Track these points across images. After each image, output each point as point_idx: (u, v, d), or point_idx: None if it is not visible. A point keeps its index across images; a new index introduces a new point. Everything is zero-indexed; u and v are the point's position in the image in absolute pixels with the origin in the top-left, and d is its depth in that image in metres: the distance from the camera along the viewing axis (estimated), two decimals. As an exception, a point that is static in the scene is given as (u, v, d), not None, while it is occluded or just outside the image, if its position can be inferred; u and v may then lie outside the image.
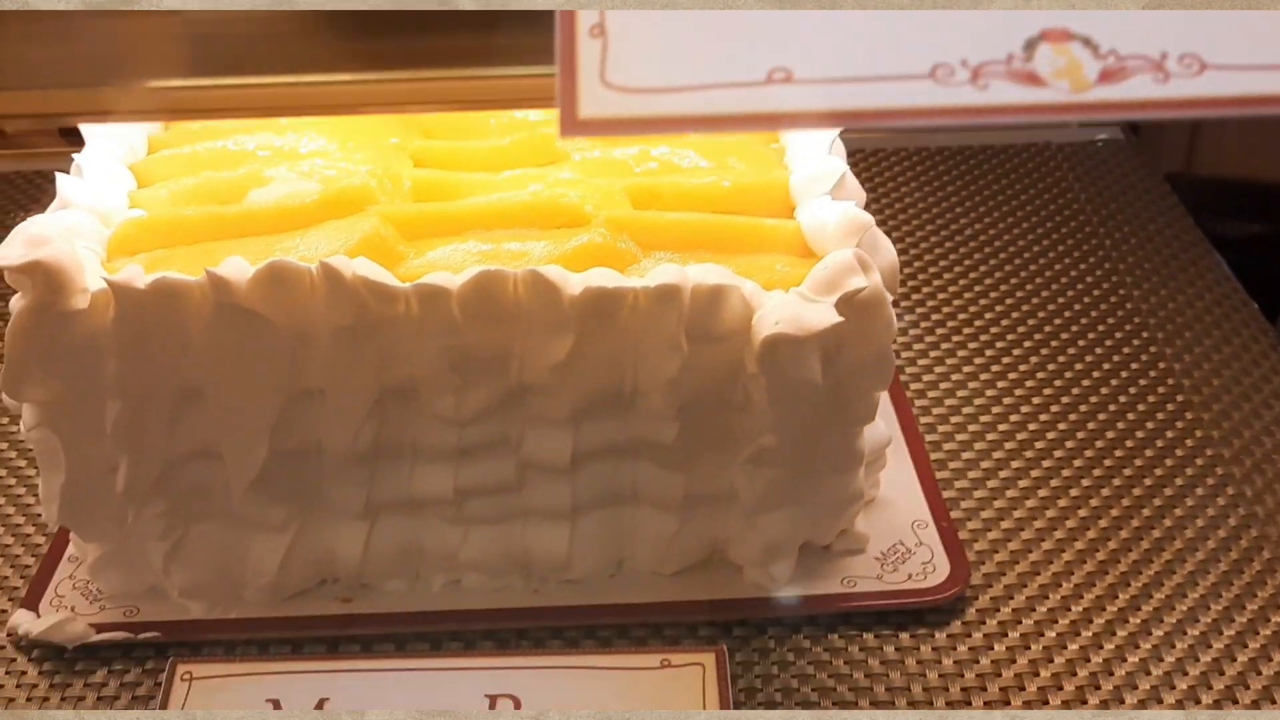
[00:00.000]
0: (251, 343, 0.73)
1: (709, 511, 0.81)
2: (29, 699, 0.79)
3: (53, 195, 0.81)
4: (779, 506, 0.79)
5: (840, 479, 0.81)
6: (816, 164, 0.81)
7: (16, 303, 0.76)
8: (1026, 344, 1.03)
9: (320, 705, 0.70)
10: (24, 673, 0.80)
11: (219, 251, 0.76)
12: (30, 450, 0.97)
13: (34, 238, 0.74)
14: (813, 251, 0.78)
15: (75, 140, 1.46)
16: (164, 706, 0.71)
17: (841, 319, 0.70)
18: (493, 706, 0.69)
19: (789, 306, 0.72)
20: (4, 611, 0.84)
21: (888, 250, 0.76)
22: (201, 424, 0.76)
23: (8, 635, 0.82)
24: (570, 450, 0.77)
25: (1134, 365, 1.00)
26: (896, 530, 0.85)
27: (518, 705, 0.70)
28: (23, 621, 0.82)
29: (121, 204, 0.83)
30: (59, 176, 0.82)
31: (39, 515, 0.92)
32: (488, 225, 0.78)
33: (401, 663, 0.72)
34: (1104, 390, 0.98)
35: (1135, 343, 1.02)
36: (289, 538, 0.80)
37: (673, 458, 0.78)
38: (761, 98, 0.36)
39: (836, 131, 0.83)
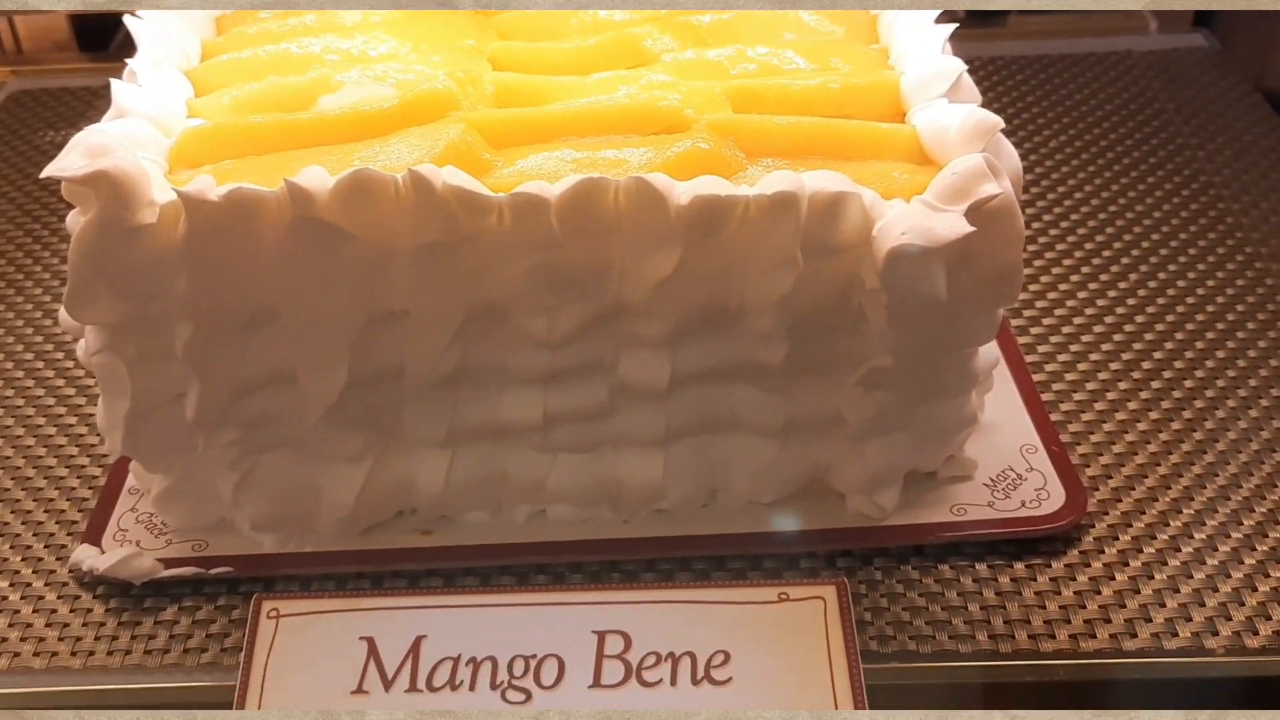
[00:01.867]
0: (331, 259, 0.68)
1: (811, 437, 0.77)
2: (97, 638, 0.75)
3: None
4: (888, 431, 0.75)
5: (953, 402, 0.76)
6: (931, 63, 0.75)
7: (75, 219, 0.71)
8: (1124, 260, 0.98)
9: (416, 643, 0.66)
10: (90, 610, 0.76)
11: (291, 162, 0.71)
12: (83, 381, 0.93)
13: (94, 147, 0.68)
14: (930, 158, 0.72)
15: (97, 55, 1.42)
16: (250, 645, 0.66)
17: (973, 229, 0.65)
18: (601, 643, 0.65)
19: (915, 216, 0.66)
20: (64, 547, 0.80)
21: (1012, 156, 0.71)
22: (276, 346, 0.72)
23: (70, 572, 0.78)
24: (667, 373, 0.73)
25: (1239, 282, 0.95)
26: (1005, 456, 0.81)
27: (628, 641, 0.65)
28: (87, 557, 0.78)
29: (180, 112, 0.77)
30: (114, 83, 0.76)
31: (94, 447, 0.87)
32: (580, 131, 0.73)
33: (500, 598, 0.68)
34: (1210, 308, 0.93)
35: (1239, 258, 0.97)
36: (366, 467, 0.76)
37: (775, 380, 0.74)
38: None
39: (950, 29, 0.77)
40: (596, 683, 0.64)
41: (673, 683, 0.64)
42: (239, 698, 0.65)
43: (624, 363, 0.73)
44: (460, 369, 0.73)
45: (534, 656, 0.65)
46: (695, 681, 0.64)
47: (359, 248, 0.68)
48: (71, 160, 0.68)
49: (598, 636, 0.65)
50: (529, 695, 0.64)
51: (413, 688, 0.64)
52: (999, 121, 0.69)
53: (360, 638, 0.66)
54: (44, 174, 0.68)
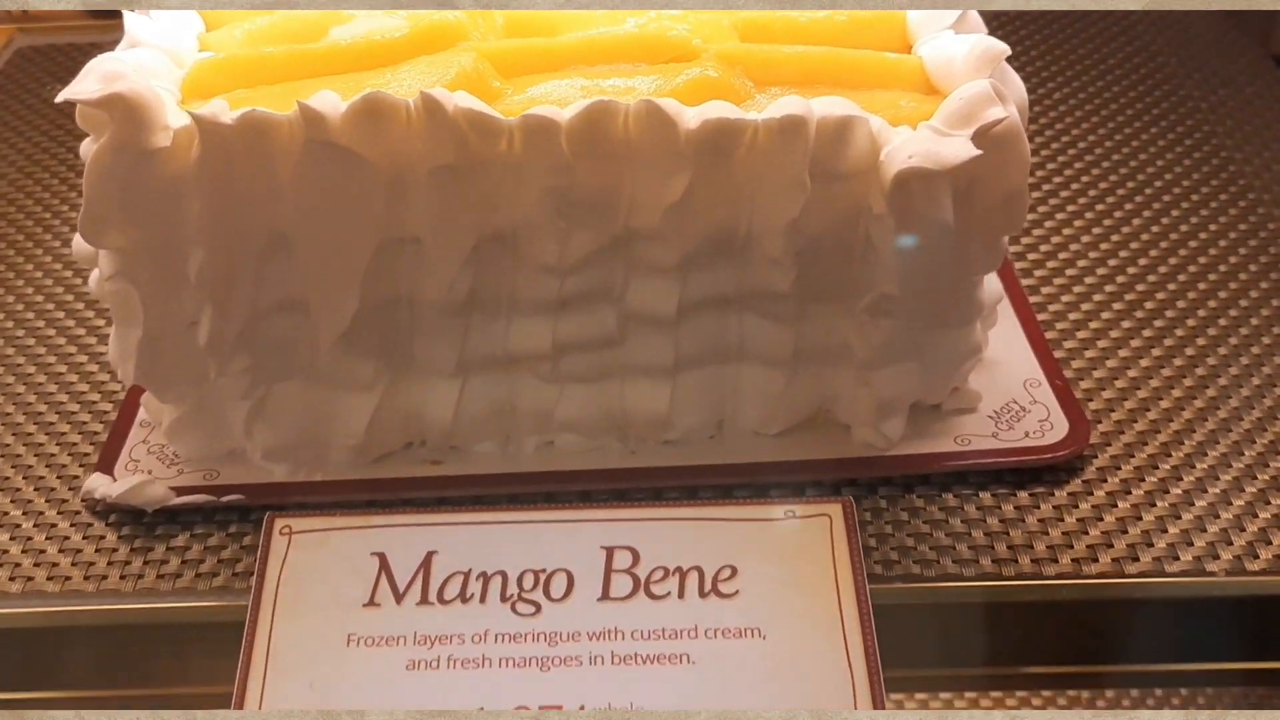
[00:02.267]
0: (344, 184, 0.69)
1: (818, 368, 0.77)
2: (110, 563, 0.75)
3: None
4: (894, 361, 0.76)
5: (958, 332, 0.77)
6: (937, -4, 0.76)
7: (88, 146, 0.72)
8: (1128, 206, 0.99)
9: (428, 558, 0.66)
10: (102, 537, 0.77)
11: (303, 90, 0.71)
12: (93, 322, 0.93)
13: (109, 74, 0.69)
14: (937, 88, 0.73)
15: (101, 13, 1.42)
16: (263, 562, 0.67)
17: (979, 152, 0.66)
18: (610, 558, 0.66)
19: (922, 140, 0.67)
20: (76, 478, 0.81)
21: (1018, 84, 0.72)
22: (289, 273, 0.72)
23: (83, 500, 0.79)
24: (676, 301, 0.73)
25: (1241, 226, 0.96)
26: (1008, 389, 0.82)
27: (636, 556, 0.66)
28: (99, 485, 0.78)
29: (192, 45, 0.78)
30: (126, 15, 0.77)
31: (105, 383, 0.88)
32: (589, 60, 0.73)
33: (511, 515, 0.69)
34: (1212, 251, 0.94)
35: (1241, 204, 0.98)
36: (377, 396, 0.77)
37: (784, 310, 0.74)
38: None
39: (955, -37, 0.78)
40: (605, 596, 0.65)
41: (680, 596, 0.65)
42: (252, 612, 0.66)
43: (633, 290, 0.74)
44: (471, 296, 0.74)
45: (543, 571, 0.66)
46: (703, 594, 0.65)
47: (371, 171, 0.69)
48: (86, 85, 0.69)
49: (606, 552, 0.66)
50: (539, 608, 0.64)
51: (424, 600, 0.65)
52: (1005, 49, 0.70)
53: (371, 553, 0.67)
54: (59, 98, 0.69)
